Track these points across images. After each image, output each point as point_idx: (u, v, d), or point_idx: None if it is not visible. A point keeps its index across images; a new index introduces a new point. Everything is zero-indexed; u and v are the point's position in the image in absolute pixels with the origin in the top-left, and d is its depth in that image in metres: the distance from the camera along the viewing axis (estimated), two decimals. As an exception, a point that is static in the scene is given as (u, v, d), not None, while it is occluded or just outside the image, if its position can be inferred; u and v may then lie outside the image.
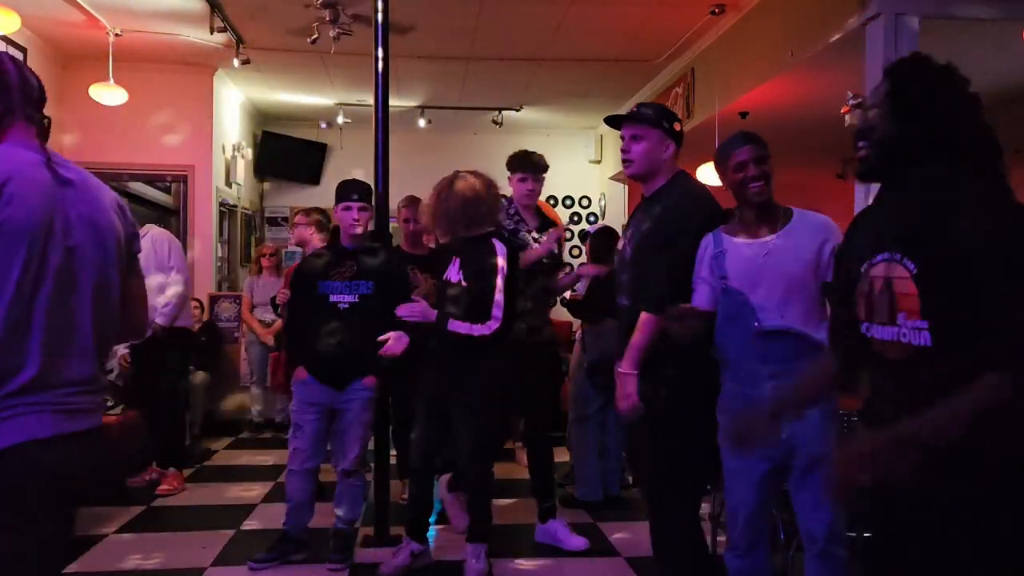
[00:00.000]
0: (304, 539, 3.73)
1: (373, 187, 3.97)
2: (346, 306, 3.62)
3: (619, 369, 2.69)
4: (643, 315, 2.65)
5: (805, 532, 2.51)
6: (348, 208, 3.67)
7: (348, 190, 3.71)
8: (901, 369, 1.60)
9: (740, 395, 2.50)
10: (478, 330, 3.34)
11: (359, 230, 3.70)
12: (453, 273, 3.47)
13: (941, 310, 1.52)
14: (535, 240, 3.85)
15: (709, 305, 2.57)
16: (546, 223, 3.98)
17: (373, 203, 3.85)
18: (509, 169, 3.97)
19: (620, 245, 2.95)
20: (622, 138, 2.82)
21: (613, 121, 2.91)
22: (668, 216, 2.71)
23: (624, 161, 2.82)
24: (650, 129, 2.78)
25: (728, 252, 2.54)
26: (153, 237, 4.97)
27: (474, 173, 3.53)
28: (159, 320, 4.84)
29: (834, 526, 2.43)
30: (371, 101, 4.17)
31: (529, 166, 3.83)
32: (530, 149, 4.05)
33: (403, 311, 3.41)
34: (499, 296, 3.34)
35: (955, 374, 1.47)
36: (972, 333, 1.48)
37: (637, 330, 2.66)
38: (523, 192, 3.83)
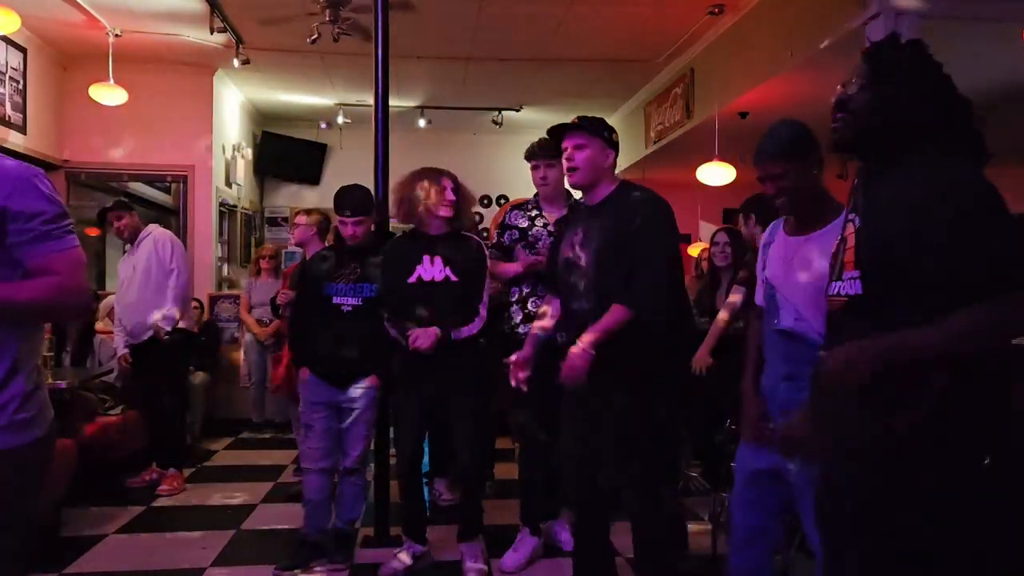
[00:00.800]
0: (323, 543, 3.69)
1: (373, 187, 3.97)
2: (349, 308, 3.61)
3: (579, 346, 2.70)
4: (620, 308, 2.69)
5: (812, 546, 2.50)
6: (343, 223, 3.66)
7: (343, 204, 3.65)
8: (840, 318, 1.82)
9: (765, 389, 2.50)
10: (476, 326, 3.42)
11: (354, 244, 3.69)
12: (436, 271, 3.45)
13: (870, 261, 1.73)
14: (549, 233, 3.65)
15: (763, 302, 2.56)
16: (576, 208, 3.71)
17: (374, 206, 3.82)
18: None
19: (569, 253, 2.93)
20: (564, 149, 2.91)
21: (555, 132, 2.98)
22: (634, 220, 2.76)
23: (568, 170, 2.91)
24: (592, 138, 2.87)
25: (774, 244, 2.54)
26: (155, 238, 4.97)
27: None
28: (164, 324, 4.84)
29: None
30: (371, 101, 4.17)
31: (534, 153, 3.73)
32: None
33: (420, 344, 3.33)
34: (487, 289, 3.48)
35: (882, 318, 1.69)
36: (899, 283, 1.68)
37: (611, 317, 2.70)
38: (536, 180, 3.72)
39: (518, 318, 3.69)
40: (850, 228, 1.81)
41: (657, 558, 2.80)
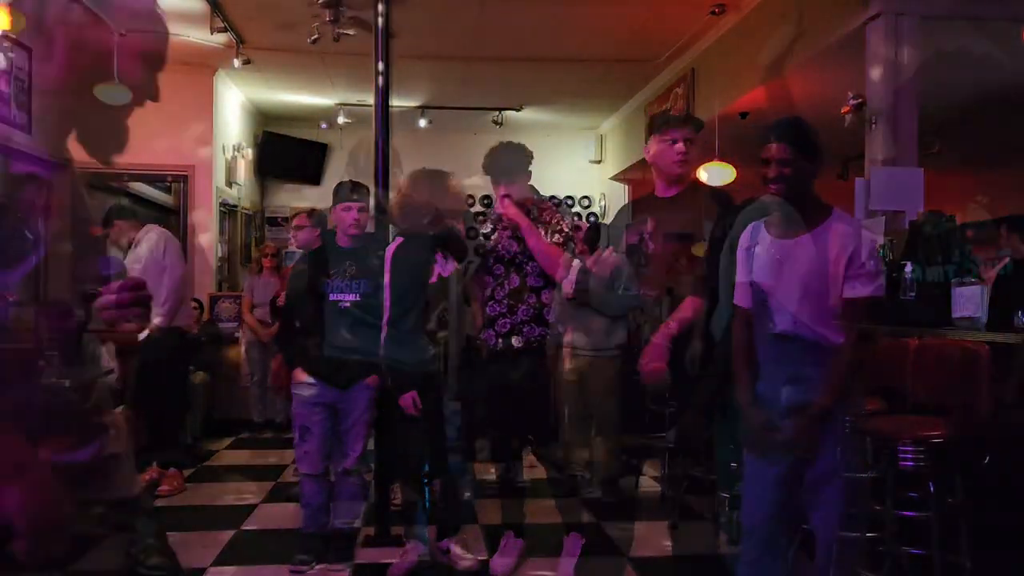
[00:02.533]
0: (329, 536, 3.68)
1: (373, 187, 3.97)
2: (347, 305, 3.59)
3: (656, 340, 2.83)
4: (697, 301, 2.80)
5: (817, 542, 2.50)
6: (348, 208, 3.61)
7: (350, 190, 3.64)
8: None
9: (763, 395, 2.47)
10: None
11: (356, 231, 3.67)
12: (451, 266, 3.48)
13: None
14: (484, 235, 3.66)
15: (750, 304, 2.53)
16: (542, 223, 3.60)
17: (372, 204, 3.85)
18: None
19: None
20: (674, 141, 3.04)
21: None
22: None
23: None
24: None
25: (759, 246, 2.50)
26: (151, 238, 4.94)
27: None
28: (156, 320, 4.82)
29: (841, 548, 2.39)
30: (371, 101, 4.17)
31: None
32: (529, 149, 3.77)
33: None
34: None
35: None
36: None
37: (690, 310, 2.81)
38: None
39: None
40: None
41: None
